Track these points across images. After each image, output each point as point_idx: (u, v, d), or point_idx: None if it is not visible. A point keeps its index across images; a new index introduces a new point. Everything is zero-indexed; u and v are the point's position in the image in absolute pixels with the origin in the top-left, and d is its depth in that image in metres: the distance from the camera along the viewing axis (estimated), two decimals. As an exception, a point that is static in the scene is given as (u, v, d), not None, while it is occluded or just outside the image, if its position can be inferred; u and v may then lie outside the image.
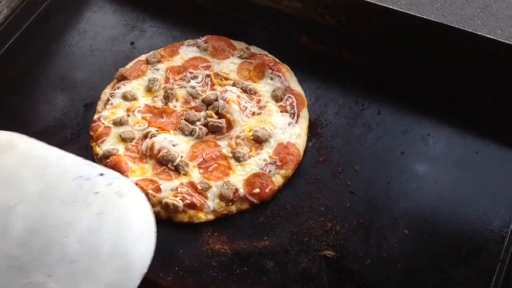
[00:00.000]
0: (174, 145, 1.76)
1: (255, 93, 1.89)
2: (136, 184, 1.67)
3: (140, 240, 1.37)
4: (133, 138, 1.81)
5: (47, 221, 1.26)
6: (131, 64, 2.02)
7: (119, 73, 1.97)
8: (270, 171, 1.71)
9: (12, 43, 2.15)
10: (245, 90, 1.88)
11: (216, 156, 1.75)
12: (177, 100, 1.90)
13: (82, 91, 2.00)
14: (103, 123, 1.85)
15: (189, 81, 1.93)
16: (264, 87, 1.91)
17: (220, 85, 1.91)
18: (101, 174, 1.37)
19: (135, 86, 1.94)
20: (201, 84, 1.92)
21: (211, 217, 1.66)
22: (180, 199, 1.65)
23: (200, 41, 2.04)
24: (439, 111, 1.81)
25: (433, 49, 1.85)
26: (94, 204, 1.31)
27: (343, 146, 1.78)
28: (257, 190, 1.67)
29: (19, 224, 1.24)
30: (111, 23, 2.20)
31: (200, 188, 1.68)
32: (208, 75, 1.94)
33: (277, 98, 1.87)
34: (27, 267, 1.21)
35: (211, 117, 1.82)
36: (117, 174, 1.42)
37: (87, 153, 1.82)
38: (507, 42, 1.73)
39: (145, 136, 1.80)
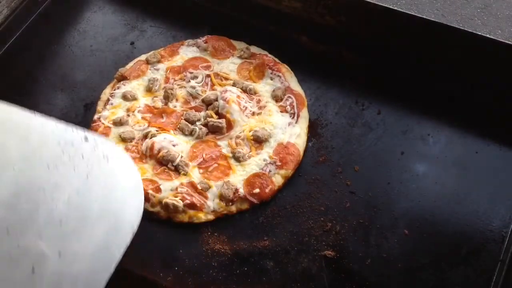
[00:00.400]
0: (174, 145, 1.76)
1: (255, 93, 1.89)
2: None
3: (128, 199, 1.40)
4: (133, 138, 1.81)
5: (34, 184, 1.27)
6: (131, 64, 2.02)
7: (119, 73, 1.97)
8: (270, 171, 1.71)
9: (12, 43, 2.15)
10: (245, 90, 1.88)
11: (216, 156, 1.75)
12: (177, 100, 1.90)
13: (82, 91, 1.99)
14: (103, 123, 1.85)
15: (189, 81, 1.93)
16: (264, 87, 1.91)
17: (220, 85, 1.91)
18: (86, 139, 1.38)
19: (135, 86, 1.94)
20: (201, 84, 1.92)
21: (211, 217, 1.66)
22: (180, 199, 1.65)
23: (200, 41, 2.04)
24: (439, 111, 1.81)
25: (433, 49, 1.85)
26: (80, 167, 1.32)
27: (343, 146, 1.78)
28: (257, 190, 1.67)
29: (5, 189, 1.24)
30: (111, 23, 2.20)
31: (200, 188, 1.68)
32: (208, 75, 1.94)
33: (277, 98, 1.87)
34: (16, 230, 1.21)
35: (211, 117, 1.82)
36: (102, 138, 1.43)
37: (87, 153, 1.82)
38: (507, 42, 1.73)
39: (145, 136, 1.80)
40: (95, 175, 1.33)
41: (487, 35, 1.77)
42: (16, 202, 1.24)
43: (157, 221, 1.66)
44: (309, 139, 1.81)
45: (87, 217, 1.29)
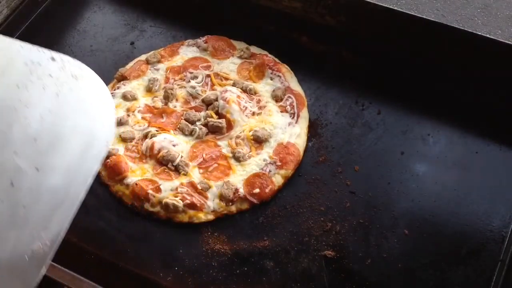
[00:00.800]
0: (174, 145, 1.76)
1: (255, 93, 1.89)
2: (136, 184, 1.68)
3: (100, 115, 1.43)
4: (133, 138, 1.81)
5: (4, 104, 1.28)
6: (131, 64, 2.02)
7: (119, 73, 1.97)
8: (270, 171, 1.71)
9: (12, 43, 2.15)
10: (245, 90, 1.88)
11: (216, 156, 1.75)
12: (177, 100, 1.90)
13: (82, 91, 1.99)
14: (103, 123, 1.85)
15: (189, 81, 1.93)
16: (264, 87, 1.91)
17: (220, 85, 1.91)
18: (53, 59, 1.40)
19: (135, 86, 1.94)
20: (201, 84, 1.92)
21: (211, 217, 1.66)
22: (180, 199, 1.65)
23: (200, 41, 2.04)
24: (439, 111, 1.81)
25: (433, 49, 1.85)
26: (50, 86, 1.34)
27: (343, 146, 1.78)
28: (257, 190, 1.67)
29: None
30: (111, 23, 2.20)
31: (200, 188, 1.68)
32: (208, 75, 1.94)
33: (277, 98, 1.87)
34: None
35: (211, 117, 1.82)
36: (68, 57, 1.46)
37: (87, 153, 1.82)
38: (507, 42, 1.74)
39: (145, 136, 1.80)
40: (65, 93, 1.35)
41: (487, 35, 1.77)
42: None
43: (157, 221, 1.66)
44: (309, 139, 1.81)
45: (61, 134, 1.31)
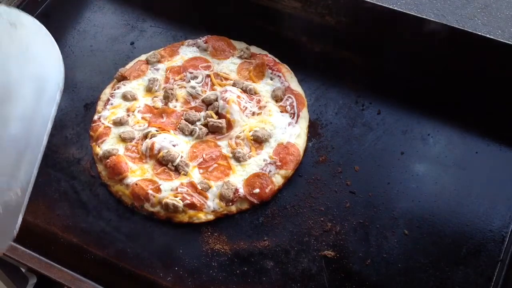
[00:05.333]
0: (174, 145, 1.76)
1: (255, 93, 1.89)
2: (136, 184, 1.68)
3: (47, 60, 1.45)
4: (133, 138, 1.81)
5: None
6: (131, 64, 2.02)
7: (119, 73, 1.97)
8: (270, 171, 1.71)
9: (12, 43, 2.15)
10: (245, 90, 1.88)
11: (216, 156, 1.75)
12: (177, 100, 1.90)
13: (82, 91, 1.99)
14: (103, 123, 1.85)
15: (189, 81, 1.93)
16: (264, 87, 1.91)
17: (220, 85, 1.91)
18: None
19: (135, 86, 1.94)
20: (201, 84, 1.92)
21: (211, 217, 1.66)
22: (180, 199, 1.65)
23: (200, 41, 2.04)
24: (439, 111, 1.82)
25: (433, 49, 1.85)
26: None
27: (343, 146, 1.78)
28: (257, 190, 1.67)
29: None
30: (111, 23, 2.20)
31: (200, 188, 1.68)
32: (208, 75, 1.94)
33: (277, 98, 1.87)
34: None
35: (211, 117, 1.82)
36: (4, 7, 1.45)
37: (87, 153, 1.83)
38: (507, 42, 1.74)
39: (145, 136, 1.80)
40: (6, 43, 1.35)
41: (487, 35, 1.77)
42: None
43: (157, 221, 1.66)
44: (309, 139, 1.81)
45: (10, 84, 1.31)
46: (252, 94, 1.89)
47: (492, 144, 1.74)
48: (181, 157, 1.74)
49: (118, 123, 1.84)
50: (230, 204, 1.66)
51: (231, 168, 1.73)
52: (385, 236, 1.58)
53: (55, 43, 1.50)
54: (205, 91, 1.90)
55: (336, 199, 1.67)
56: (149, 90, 1.93)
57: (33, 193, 1.48)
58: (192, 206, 1.65)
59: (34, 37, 1.44)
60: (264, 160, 1.73)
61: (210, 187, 1.68)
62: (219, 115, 1.83)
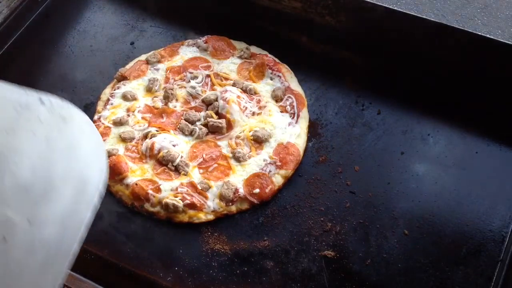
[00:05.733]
0: (174, 145, 1.76)
1: (255, 93, 1.89)
2: (136, 184, 1.68)
3: (91, 160, 1.39)
4: (133, 138, 1.81)
5: None
6: (131, 64, 2.02)
7: (119, 73, 1.97)
8: (270, 171, 1.71)
9: (12, 43, 2.15)
10: (245, 90, 1.88)
11: (216, 156, 1.75)
12: (177, 100, 1.90)
13: (82, 91, 1.99)
14: (103, 123, 1.85)
15: (189, 81, 1.93)
16: (264, 87, 1.91)
17: (220, 85, 1.91)
18: (41, 101, 1.37)
19: (135, 86, 1.94)
20: (201, 84, 1.92)
21: (211, 217, 1.66)
22: (180, 199, 1.65)
23: (200, 41, 2.04)
24: (439, 111, 1.82)
25: (433, 49, 1.85)
26: (39, 131, 1.29)
27: (343, 146, 1.78)
28: (257, 190, 1.67)
29: None
30: (111, 23, 2.20)
31: (200, 188, 1.68)
32: (208, 75, 1.94)
33: (277, 98, 1.87)
34: None
35: (211, 117, 1.82)
36: (57, 99, 1.42)
37: (87, 153, 1.82)
38: (507, 42, 1.73)
39: (145, 136, 1.80)
40: (55, 138, 1.31)
41: (487, 35, 1.77)
42: None
43: (157, 221, 1.66)
44: (309, 139, 1.81)
45: (52, 181, 1.27)
46: (252, 94, 1.88)
47: (492, 144, 1.74)
48: (181, 157, 1.74)
49: (118, 123, 1.84)
50: (230, 204, 1.66)
51: (231, 168, 1.73)
52: (385, 236, 1.58)
53: (102, 143, 1.45)
54: (205, 91, 1.90)
55: (336, 199, 1.67)
56: (149, 90, 1.93)
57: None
58: (192, 206, 1.65)
59: (82, 135, 1.39)
60: (264, 160, 1.73)
61: (210, 187, 1.68)
62: (219, 115, 1.83)
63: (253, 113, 1.84)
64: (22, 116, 1.30)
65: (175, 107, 1.88)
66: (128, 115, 1.86)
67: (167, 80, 1.95)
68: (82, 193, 1.31)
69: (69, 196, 1.28)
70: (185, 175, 1.72)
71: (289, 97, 1.86)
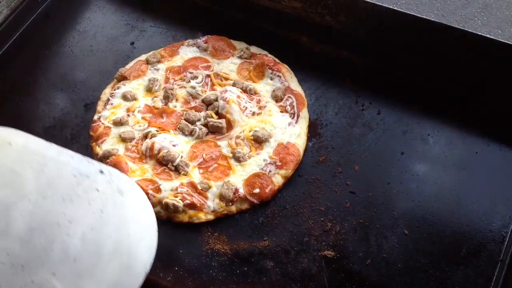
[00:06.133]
0: (174, 145, 1.76)
1: (255, 93, 1.89)
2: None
3: (142, 237, 1.37)
4: (133, 138, 1.81)
5: (49, 218, 1.25)
6: (131, 64, 2.02)
7: (119, 73, 1.97)
8: (270, 171, 1.71)
9: (12, 43, 2.15)
10: (245, 90, 1.88)
11: (216, 156, 1.75)
12: (177, 100, 1.90)
13: (82, 91, 2.00)
14: (103, 123, 1.85)
15: (189, 81, 1.93)
16: (264, 87, 1.91)
17: (220, 85, 1.91)
18: (101, 171, 1.36)
19: (135, 86, 1.95)
20: (201, 84, 1.92)
21: (211, 217, 1.66)
22: (180, 199, 1.65)
23: (200, 41, 2.04)
24: (439, 111, 1.81)
25: (433, 49, 1.85)
26: (95, 201, 1.30)
27: (343, 146, 1.78)
28: (257, 190, 1.67)
29: (20, 222, 1.23)
30: (111, 23, 2.20)
31: (200, 188, 1.68)
32: (208, 75, 1.94)
33: (277, 98, 1.87)
34: (30, 266, 1.21)
35: (211, 117, 1.82)
36: (116, 171, 1.41)
37: (87, 153, 1.82)
38: (507, 42, 1.73)
39: (145, 136, 1.80)
40: (109, 210, 1.31)
41: (487, 35, 1.77)
42: (31, 237, 1.22)
43: (157, 221, 1.65)
44: (309, 139, 1.81)
45: (100, 254, 1.26)
46: (252, 94, 1.89)
47: (492, 144, 1.74)
48: (181, 157, 1.74)
49: (118, 123, 1.84)
50: (230, 204, 1.66)
51: (231, 168, 1.73)
52: (385, 236, 1.58)
53: (155, 220, 1.43)
54: (205, 91, 1.90)
55: (336, 199, 1.67)
56: (149, 90, 1.93)
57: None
58: (192, 206, 1.65)
59: (136, 210, 1.38)
60: (264, 160, 1.73)
61: (210, 187, 1.68)
62: (219, 115, 1.83)
63: (253, 113, 1.84)
64: (81, 184, 1.30)
65: (175, 107, 1.88)
66: (128, 115, 1.86)
67: (167, 80, 1.95)
68: (128, 270, 1.29)
69: (114, 272, 1.26)
70: (185, 175, 1.72)
71: (289, 97, 1.86)
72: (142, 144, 1.78)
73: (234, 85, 1.90)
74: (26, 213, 1.25)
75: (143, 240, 1.37)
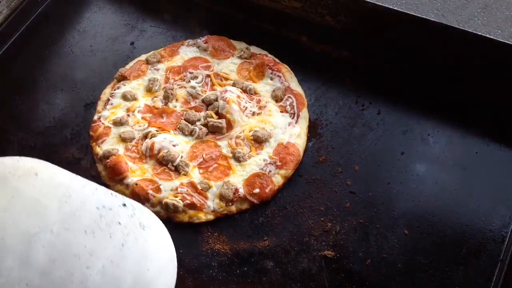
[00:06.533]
0: (174, 145, 1.76)
1: (255, 93, 1.89)
2: (136, 184, 1.68)
3: (162, 272, 1.35)
4: (133, 138, 1.81)
5: (70, 250, 1.24)
6: (131, 64, 2.02)
7: (119, 73, 1.97)
8: (270, 171, 1.71)
9: (12, 43, 2.15)
10: (245, 90, 1.88)
11: (216, 156, 1.75)
12: (177, 100, 1.90)
13: (82, 91, 2.00)
14: (103, 123, 1.85)
15: (189, 81, 1.93)
16: (264, 87, 1.91)
17: (220, 85, 1.91)
18: (124, 205, 1.36)
19: (135, 86, 1.95)
20: (201, 84, 1.92)
21: (211, 217, 1.66)
22: (180, 199, 1.65)
23: (200, 41, 2.04)
24: (439, 111, 1.81)
25: (433, 49, 1.85)
26: (117, 234, 1.29)
27: (343, 146, 1.78)
28: (257, 190, 1.67)
29: (42, 253, 1.22)
30: (111, 23, 2.20)
31: (200, 188, 1.68)
32: (208, 75, 1.94)
33: (277, 98, 1.87)
34: None
35: (211, 117, 1.82)
36: (139, 204, 1.41)
37: (87, 153, 1.83)
38: (507, 42, 1.73)
39: (145, 136, 1.80)
40: (130, 244, 1.30)
41: (487, 35, 1.77)
42: (51, 269, 1.21)
43: (157, 221, 1.66)
44: (309, 139, 1.81)
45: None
46: (252, 94, 1.89)
47: (492, 144, 1.74)
48: (181, 157, 1.74)
49: (118, 123, 1.84)
50: (230, 204, 1.66)
51: (231, 168, 1.73)
52: (385, 236, 1.58)
53: (175, 256, 1.42)
54: (205, 91, 1.90)
55: (336, 199, 1.67)
56: (149, 90, 1.93)
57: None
58: (192, 206, 1.65)
59: (157, 246, 1.37)
60: (264, 160, 1.73)
61: (210, 187, 1.68)
62: (219, 115, 1.83)
63: (253, 113, 1.84)
64: (103, 217, 1.29)
65: (175, 107, 1.88)
66: (128, 115, 1.86)
67: (167, 80, 1.95)
68: None
69: None
70: (185, 175, 1.72)
71: (289, 97, 1.86)
72: (142, 144, 1.78)
73: (234, 85, 1.90)
74: (48, 244, 1.24)
75: (162, 275, 1.36)
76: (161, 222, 1.43)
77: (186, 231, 1.64)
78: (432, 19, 1.82)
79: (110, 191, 1.39)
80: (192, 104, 1.89)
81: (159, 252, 1.37)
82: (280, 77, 1.92)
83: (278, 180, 1.70)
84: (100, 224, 1.28)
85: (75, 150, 1.84)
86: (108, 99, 1.92)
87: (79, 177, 1.39)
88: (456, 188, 1.65)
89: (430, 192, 1.65)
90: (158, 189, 1.68)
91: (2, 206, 1.27)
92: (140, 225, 1.34)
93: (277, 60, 1.97)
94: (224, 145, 1.78)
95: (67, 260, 1.22)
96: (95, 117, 1.89)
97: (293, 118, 1.82)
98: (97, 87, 1.99)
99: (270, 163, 1.72)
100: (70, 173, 1.40)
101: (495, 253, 1.53)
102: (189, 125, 1.82)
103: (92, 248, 1.25)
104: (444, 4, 3.22)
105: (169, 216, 1.65)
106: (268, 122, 1.81)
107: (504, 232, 1.56)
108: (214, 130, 1.81)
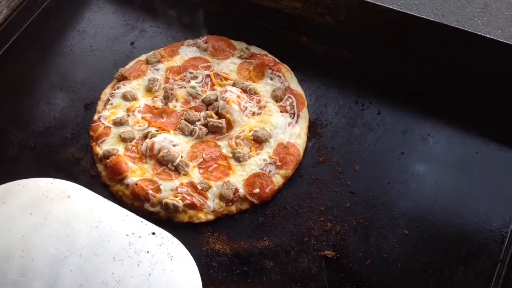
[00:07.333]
0: (174, 145, 1.76)
1: (255, 93, 1.89)
2: (136, 184, 1.68)
3: None
4: (133, 138, 1.81)
5: (97, 276, 1.23)
6: (131, 64, 2.02)
7: (119, 73, 1.97)
8: (270, 171, 1.71)
9: (12, 43, 2.15)
10: (245, 90, 1.88)
11: (216, 156, 1.75)
12: (177, 100, 1.90)
13: (82, 91, 2.00)
14: (103, 123, 1.85)
15: (189, 81, 1.93)
16: (264, 87, 1.91)
17: (220, 85, 1.91)
18: (153, 233, 1.35)
19: (135, 86, 1.95)
20: (201, 84, 1.92)
21: (211, 217, 1.66)
22: (180, 199, 1.65)
23: (200, 41, 2.04)
24: (439, 111, 1.81)
25: (433, 49, 1.85)
26: (145, 263, 1.28)
27: (343, 146, 1.78)
28: (257, 190, 1.67)
29: (69, 277, 1.22)
30: (111, 23, 2.20)
31: (200, 188, 1.68)
32: (208, 75, 1.94)
33: (277, 98, 1.87)
34: None
35: (211, 117, 1.82)
36: (168, 234, 1.39)
37: (87, 153, 1.83)
38: (507, 42, 1.73)
39: (145, 136, 1.80)
40: (157, 274, 1.29)
41: (487, 35, 1.77)
42: None
43: (157, 221, 1.65)
44: (309, 139, 1.81)
45: None
46: (252, 94, 1.89)
47: (492, 144, 1.74)
48: (181, 157, 1.74)
49: (118, 123, 1.84)
50: (230, 204, 1.66)
51: (231, 168, 1.73)
52: (385, 236, 1.58)
53: (201, 284, 1.40)
54: (205, 91, 1.90)
55: (336, 199, 1.67)
56: (149, 90, 1.93)
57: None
58: (192, 206, 1.65)
59: (184, 278, 1.35)
60: (264, 160, 1.73)
61: (210, 187, 1.68)
62: (219, 115, 1.83)
63: (253, 113, 1.84)
64: (132, 244, 1.29)
65: (175, 107, 1.88)
66: (128, 115, 1.86)
67: (167, 80, 1.95)
68: None
69: None
70: (185, 175, 1.72)
71: (289, 97, 1.86)
72: (142, 144, 1.78)
73: (234, 85, 1.90)
74: (76, 268, 1.23)
75: None
76: (188, 253, 1.41)
77: (186, 231, 1.64)
78: (432, 19, 1.82)
79: (140, 218, 1.38)
80: (192, 104, 1.89)
81: (185, 284, 1.35)
82: (280, 77, 1.92)
83: (278, 180, 1.70)
84: (128, 251, 1.27)
85: (75, 150, 1.84)
86: (108, 99, 1.92)
87: (110, 202, 1.39)
88: (456, 188, 1.65)
89: (430, 192, 1.65)
90: (158, 189, 1.68)
91: (34, 228, 1.27)
92: (168, 255, 1.33)
93: (277, 60, 1.97)
94: (224, 145, 1.78)
95: (93, 286, 1.22)
96: (95, 117, 1.89)
97: (293, 118, 1.82)
98: (97, 87, 1.99)
99: (270, 163, 1.72)
100: (101, 197, 1.40)
101: (495, 253, 1.53)
102: (189, 125, 1.82)
103: (120, 276, 1.24)
104: (444, 4, 3.22)
105: (169, 216, 1.65)
106: (268, 122, 1.81)
107: (504, 232, 1.56)
108: (214, 130, 1.81)
